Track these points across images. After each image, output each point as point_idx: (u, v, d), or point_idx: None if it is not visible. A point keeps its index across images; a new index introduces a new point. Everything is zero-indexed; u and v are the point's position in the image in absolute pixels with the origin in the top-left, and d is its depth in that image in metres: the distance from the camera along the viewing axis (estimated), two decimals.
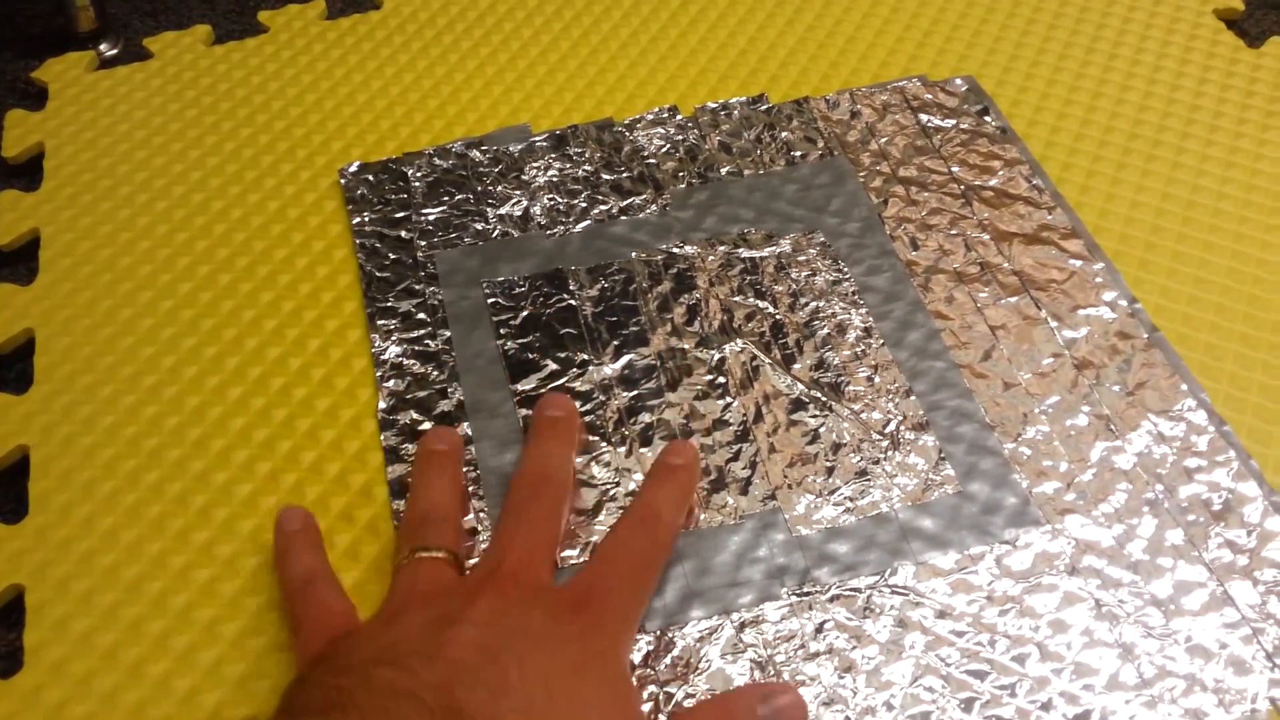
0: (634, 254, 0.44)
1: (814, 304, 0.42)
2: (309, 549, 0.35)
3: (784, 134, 0.48)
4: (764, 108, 0.49)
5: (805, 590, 0.35)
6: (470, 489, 0.37)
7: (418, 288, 0.43)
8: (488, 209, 0.46)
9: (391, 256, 0.44)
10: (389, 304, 0.42)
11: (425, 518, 0.34)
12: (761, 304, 0.42)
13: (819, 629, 0.34)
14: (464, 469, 0.37)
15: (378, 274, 0.43)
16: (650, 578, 0.34)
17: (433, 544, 0.33)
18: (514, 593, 0.31)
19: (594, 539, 0.36)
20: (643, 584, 0.33)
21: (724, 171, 0.47)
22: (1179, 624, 0.34)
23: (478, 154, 0.48)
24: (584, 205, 0.46)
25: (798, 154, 0.47)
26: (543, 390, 0.40)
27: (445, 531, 0.34)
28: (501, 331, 0.41)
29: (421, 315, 0.42)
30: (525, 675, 0.28)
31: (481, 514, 0.36)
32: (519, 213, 0.45)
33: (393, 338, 0.41)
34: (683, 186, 0.46)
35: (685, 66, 0.52)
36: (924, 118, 0.49)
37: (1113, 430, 0.38)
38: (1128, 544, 0.36)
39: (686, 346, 0.41)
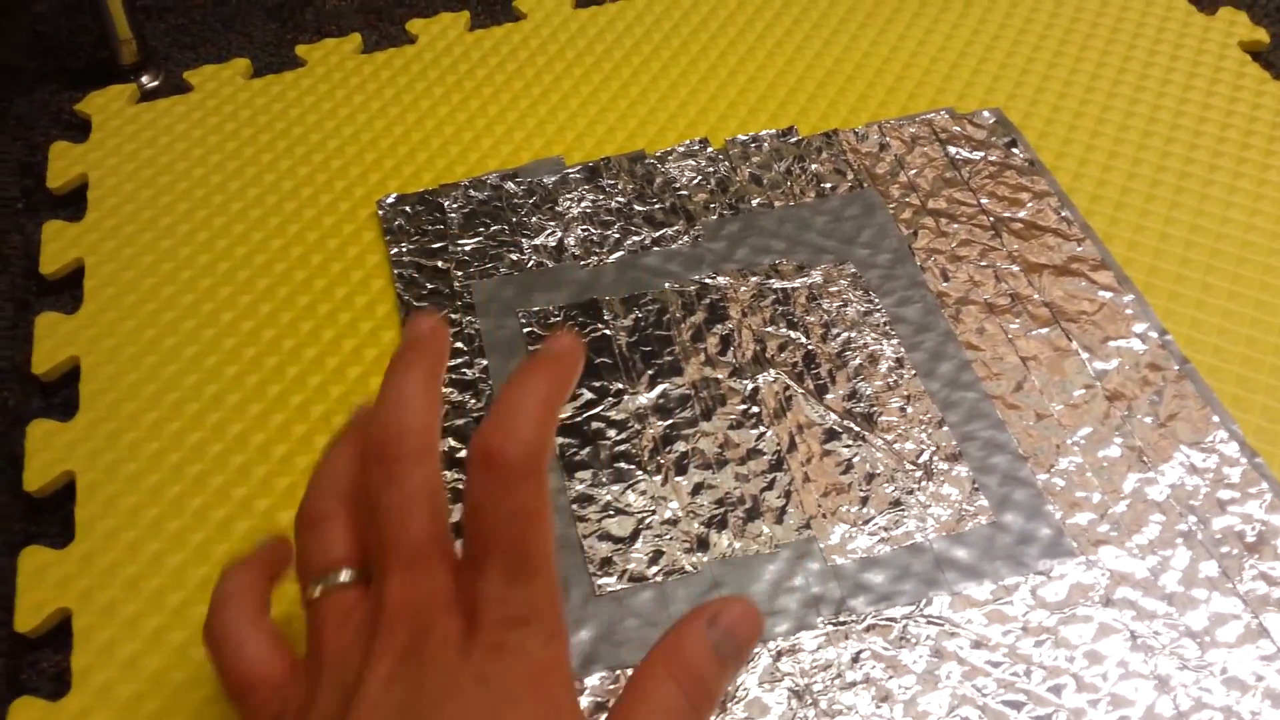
0: (667, 285, 0.44)
1: (846, 335, 0.42)
2: (249, 567, 0.31)
3: (814, 166, 0.49)
4: (794, 140, 0.50)
5: (841, 620, 0.35)
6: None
7: (455, 317, 0.44)
8: (523, 240, 0.46)
9: (429, 286, 0.45)
10: None
11: (311, 521, 0.29)
12: (794, 334, 0.43)
13: (855, 658, 0.34)
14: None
15: (415, 303, 0.44)
16: (533, 529, 0.26)
17: (329, 564, 0.28)
18: (402, 641, 0.26)
19: (630, 566, 0.36)
20: (527, 545, 0.26)
21: (755, 203, 0.48)
22: (1214, 656, 0.34)
23: (512, 186, 0.48)
24: (617, 236, 0.46)
25: (828, 186, 0.48)
26: (578, 419, 0.40)
27: (336, 535, 0.29)
28: None
29: (459, 344, 0.43)
30: None
31: None
32: (553, 243, 0.46)
33: None
34: (714, 218, 0.47)
35: (715, 99, 0.53)
36: (952, 150, 0.49)
37: (1145, 462, 0.39)
38: (1162, 575, 0.36)
39: (720, 376, 0.41)
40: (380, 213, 0.48)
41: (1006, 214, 0.47)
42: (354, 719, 0.25)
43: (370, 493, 0.28)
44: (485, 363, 0.42)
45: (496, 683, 0.25)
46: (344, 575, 0.28)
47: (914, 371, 0.41)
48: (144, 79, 0.57)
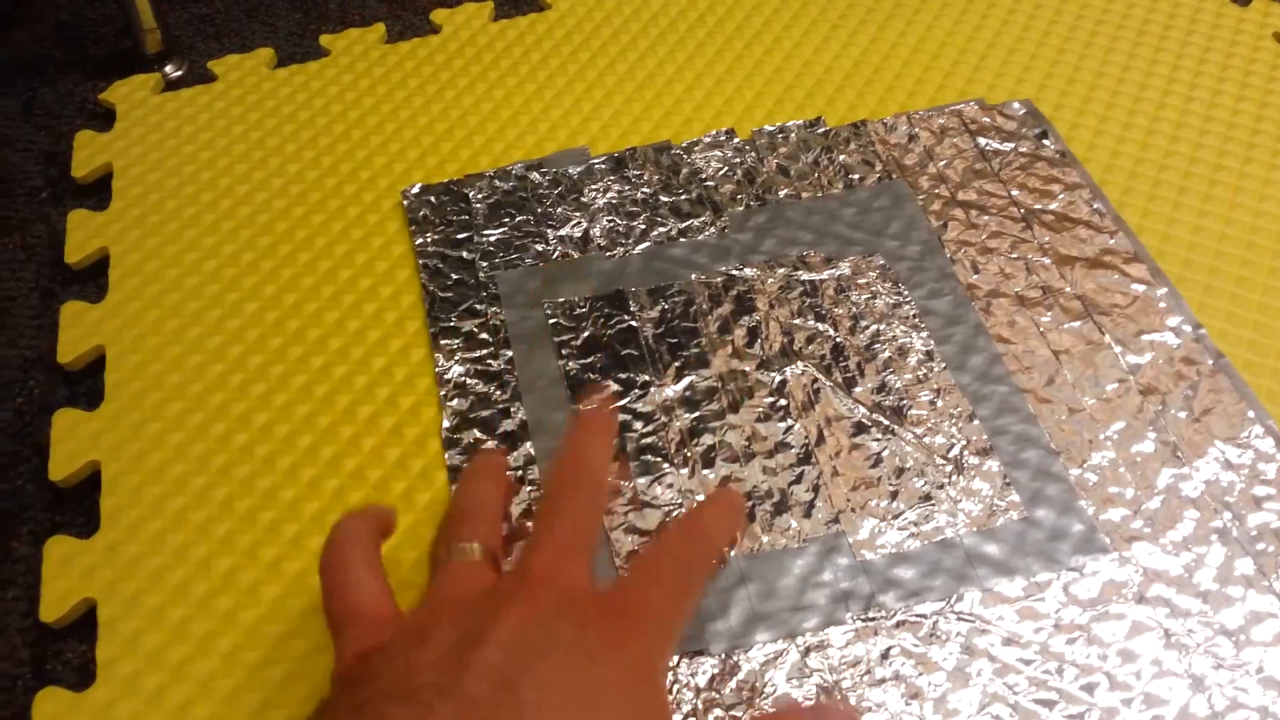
0: (694, 276, 0.44)
1: (875, 327, 0.42)
2: (365, 518, 0.34)
3: (842, 157, 0.48)
4: (821, 130, 0.50)
5: (870, 615, 0.34)
6: (530, 506, 0.37)
7: (480, 308, 0.43)
8: (548, 230, 0.46)
9: (454, 277, 0.44)
10: (452, 324, 0.43)
11: (463, 513, 0.34)
12: (822, 326, 0.42)
13: (885, 655, 0.34)
14: (511, 479, 0.38)
15: (440, 294, 0.44)
16: (692, 590, 0.32)
17: (468, 538, 0.32)
18: (543, 601, 0.29)
19: None
20: (684, 594, 0.31)
21: (782, 194, 0.47)
22: (1250, 655, 0.33)
23: (537, 176, 0.48)
24: (643, 227, 0.46)
25: (856, 177, 0.48)
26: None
27: (482, 526, 0.33)
28: (563, 352, 0.42)
29: (484, 335, 0.42)
30: (545, 707, 0.26)
31: None
32: (579, 234, 0.46)
33: (456, 357, 0.42)
34: (741, 209, 0.47)
35: (742, 89, 0.52)
36: (982, 141, 0.49)
37: (1179, 457, 0.38)
38: (1196, 573, 0.35)
39: (747, 368, 0.41)
40: (405, 203, 0.47)
41: (1038, 206, 0.46)
42: (485, 648, 0.27)
43: (549, 491, 0.34)
44: (510, 354, 0.42)
45: (606, 664, 0.28)
46: (477, 550, 0.32)
47: (944, 364, 0.41)
48: (168, 68, 0.56)
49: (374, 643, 0.29)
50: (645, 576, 0.31)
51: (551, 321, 0.43)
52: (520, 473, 0.38)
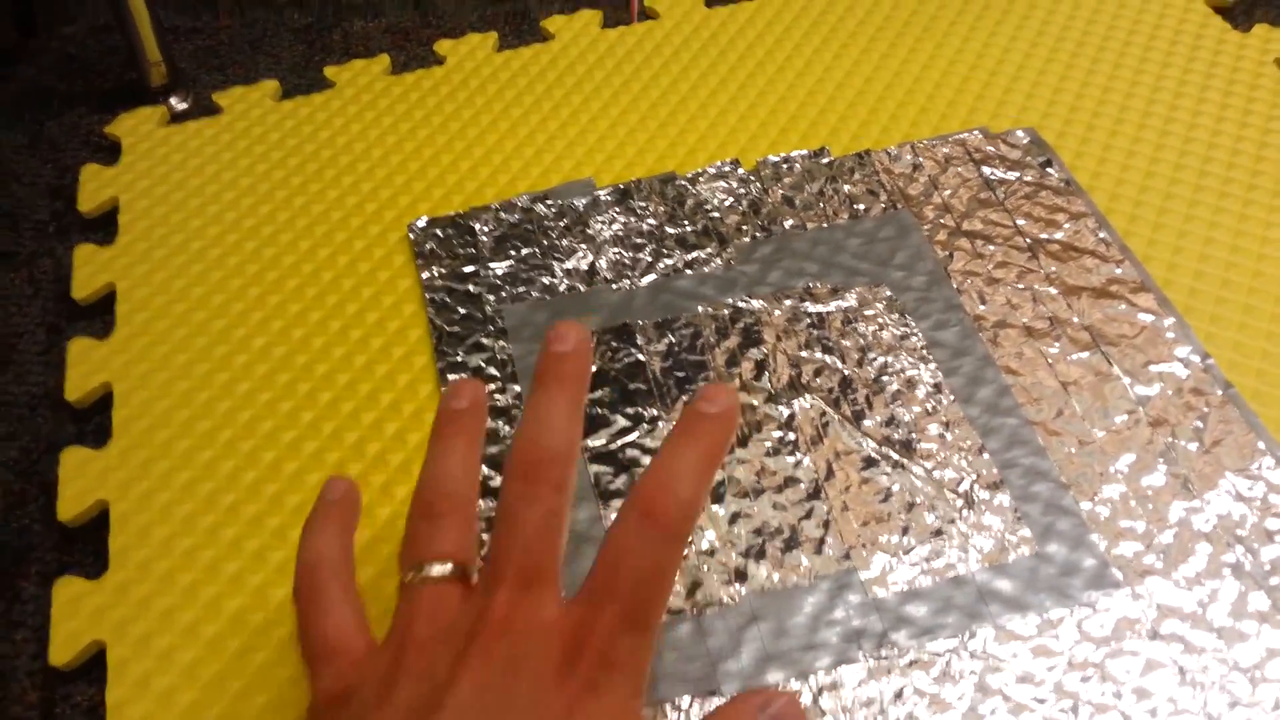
0: (700, 308, 0.44)
1: (882, 359, 0.42)
2: (336, 530, 0.33)
3: (846, 187, 0.48)
4: (825, 160, 0.50)
5: (883, 654, 0.34)
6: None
7: (487, 342, 0.43)
8: (554, 263, 0.46)
9: (461, 311, 0.44)
10: (459, 358, 0.43)
11: (429, 511, 0.31)
12: (829, 359, 0.42)
13: (898, 695, 0.33)
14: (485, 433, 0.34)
15: (448, 329, 0.44)
16: (661, 587, 0.29)
17: (434, 555, 0.30)
18: (501, 653, 0.27)
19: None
20: (651, 601, 0.28)
21: (787, 225, 0.47)
22: (1266, 693, 0.33)
23: (543, 208, 0.48)
24: (649, 259, 0.46)
25: (861, 207, 0.48)
26: (612, 445, 0.40)
27: (450, 531, 0.30)
28: None
29: (492, 370, 0.42)
30: None
31: None
32: (585, 267, 0.46)
33: None
34: (747, 240, 0.47)
35: (746, 120, 0.52)
36: (987, 170, 0.49)
37: (1190, 490, 0.38)
38: (1210, 608, 0.35)
39: (755, 402, 0.41)
40: (411, 236, 0.47)
41: (1043, 235, 0.46)
42: (442, 715, 0.26)
43: (505, 502, 0.30)
44: (519, 389, 0.42)
45: (582, 717, 0.26)
46: (445, 569, 0.30)
47: (952, 397, 0.41)
48: (173, 101, 0.57)
49: (342, 686, 0.29)
50: (604, 598, 0.28)
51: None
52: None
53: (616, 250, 0.46)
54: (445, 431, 0.33)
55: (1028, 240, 0.46)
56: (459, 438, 0.32)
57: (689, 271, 0.46)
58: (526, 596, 0.28)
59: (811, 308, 0.44)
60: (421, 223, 0.48)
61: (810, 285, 0.45)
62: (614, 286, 0.45)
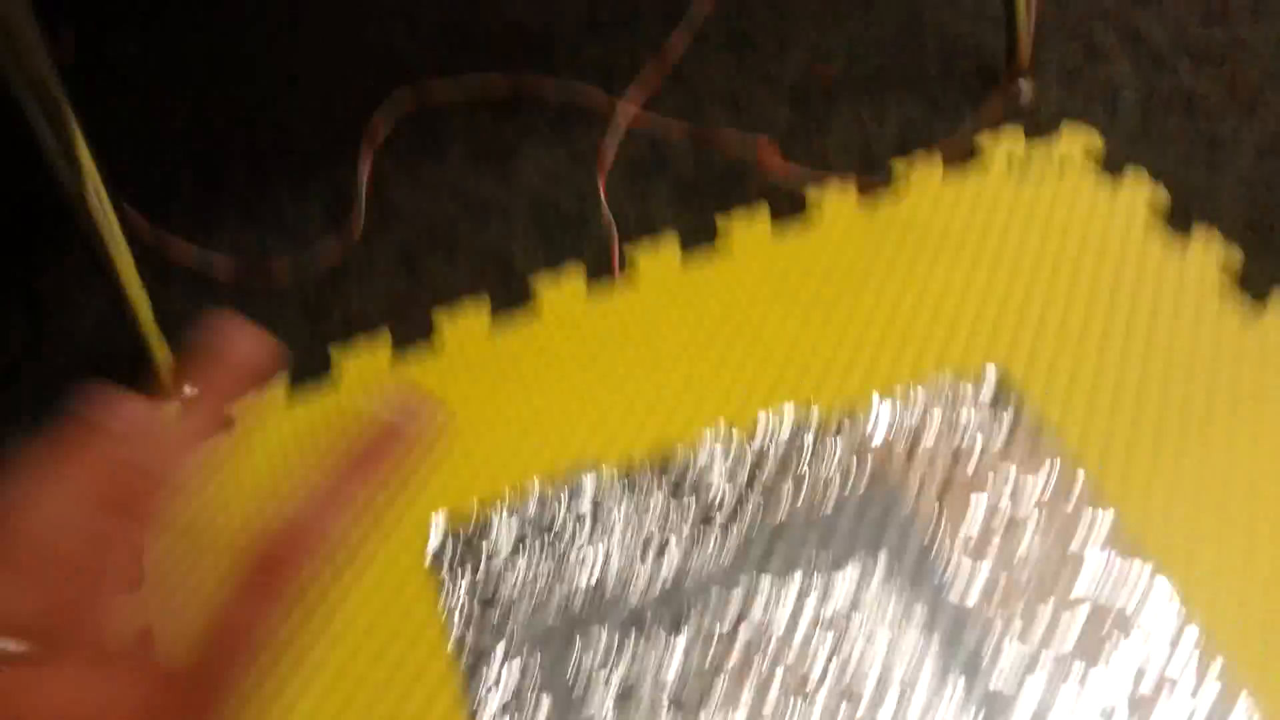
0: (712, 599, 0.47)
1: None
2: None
3: (832, 468, 0.51)
4: (811, 434, 0.53)
5: None
6: None
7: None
8: (566, 571, 0.49)
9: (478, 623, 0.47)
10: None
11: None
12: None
13: None
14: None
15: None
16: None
17: None
18: None
19: None
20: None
21: (783, 507, 0.50)
22: None
23: (552, 511, 0.51)
24: (651, 568, 0.49)
25: (849, 485, 0.51)
26: None
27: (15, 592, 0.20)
28: None
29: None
30: None
31: None
32: (595, 582, 0.49)
33: None
34: (746, 523, 0.50)
35: (736, 380, 0.55)
36: (962, 428, 0.52)
37: None
38: None
39: None
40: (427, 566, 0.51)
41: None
42: None
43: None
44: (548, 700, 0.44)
45: None
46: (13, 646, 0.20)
47: None
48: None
49: None
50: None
51: None
52: None
53: (622, 559, 0.50)
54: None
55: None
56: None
57: (695, 560, 0.48)
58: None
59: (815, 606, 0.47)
60: (433, 547, 0.51)
61: (811, 563, 0.48)
62: (626, 588, 0.48)
